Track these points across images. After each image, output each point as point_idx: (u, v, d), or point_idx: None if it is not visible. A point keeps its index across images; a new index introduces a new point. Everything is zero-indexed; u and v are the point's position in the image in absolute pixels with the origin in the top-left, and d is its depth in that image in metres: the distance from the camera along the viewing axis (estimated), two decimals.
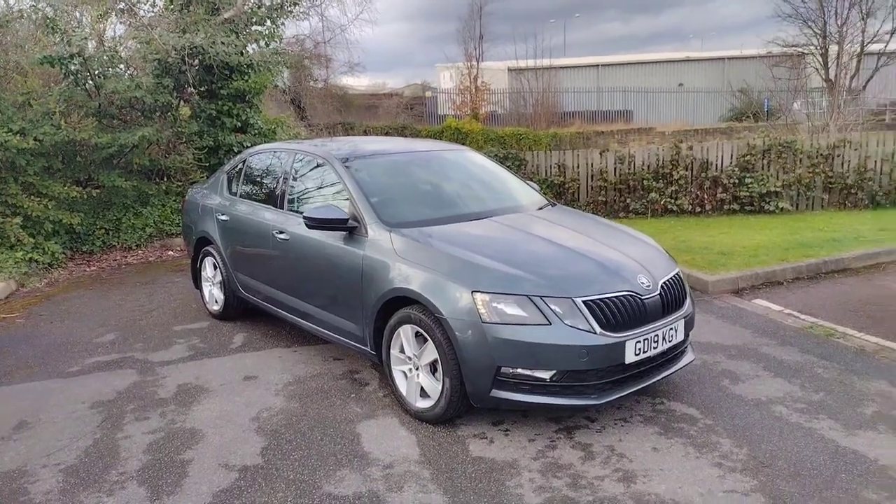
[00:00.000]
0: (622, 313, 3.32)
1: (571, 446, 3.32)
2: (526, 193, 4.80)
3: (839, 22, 37.71)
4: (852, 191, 9.56)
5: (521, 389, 3.27)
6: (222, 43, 8.59)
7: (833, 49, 37.77)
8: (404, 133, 25.93)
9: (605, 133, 27.43)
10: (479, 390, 3.32)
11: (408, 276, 3.59)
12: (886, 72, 30.97)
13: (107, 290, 6.88)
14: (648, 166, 10.04)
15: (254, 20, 9.85)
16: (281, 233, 4.57)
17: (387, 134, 24.04)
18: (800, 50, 38.56)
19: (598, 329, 3.23)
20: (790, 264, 6.25)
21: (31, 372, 4.65)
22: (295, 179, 4.75)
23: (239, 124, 10.07)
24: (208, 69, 9.43)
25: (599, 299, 3.29)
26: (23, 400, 4.18)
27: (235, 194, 5.38)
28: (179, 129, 9.21)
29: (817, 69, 38.50)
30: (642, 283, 3.50)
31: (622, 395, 3.34)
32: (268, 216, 4.79)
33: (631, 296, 3.39)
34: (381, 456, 3.31)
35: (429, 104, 36.49)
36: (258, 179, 5.22)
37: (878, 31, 36.14)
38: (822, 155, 9.56)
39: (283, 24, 10.32)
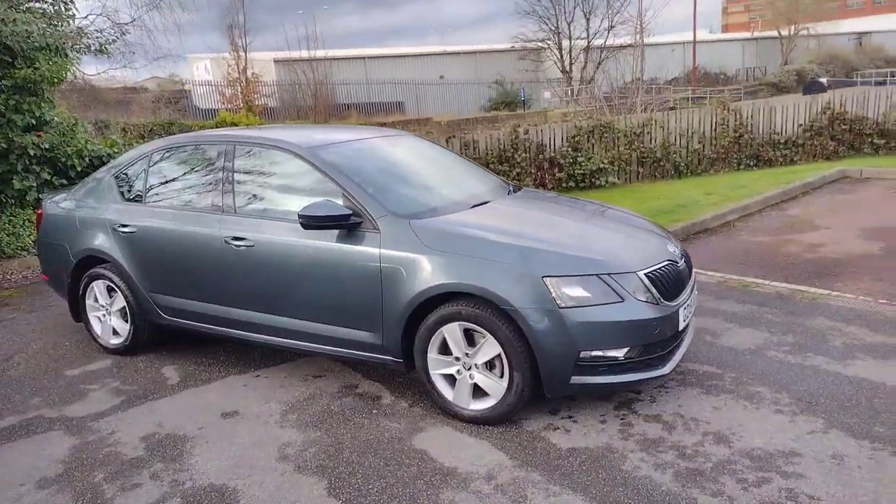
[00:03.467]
0: (670, 282, 3.42)
1: (644, 420, 3.34)
2: (493, 177, 4.68)
3: (567, 19, 42.93)
4: (661, 163, 10.96)
5: (600, 371, 3.20)
6: (20, 21, 6.93)
7: (566, 44, 42.93)
8: (171, 130, 23.65)
9: (388, 125, 27.93)
10: (559, 379, 3.18)
11: (451, 269, 3.28)
12: (606, 64, 36.06)
13: None
14: (491, 151, 10.43)
15: None
16: (238, 240, 3.88)
17: (150, 132, 21.70)
18: (539, 44, 43.12)
19: (661, 300, 3.29)
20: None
21: None
22: (243, 176, 4.04)
23: (32, 122, 8.28)
24: None
25: (655, 271, 3.35)
26: None
27: (141, 200, 4.41)
28: None
29: (555, 62, 43.43)
30: (672, 251, 3.64)
31: (678, 361, 3.45)
32: (210, 222, 4.02)
33: (671, 264, 3.50)
34: (470, 468, 3.01)
35: (190, 98, 33.77)
36: (179, 180, 4.34)
37: (598, 27, 41.81)
38: (635, 133, 10.80)
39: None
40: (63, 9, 8.36)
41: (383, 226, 3.48)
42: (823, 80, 35.08)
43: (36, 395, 4.09)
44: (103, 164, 9.11)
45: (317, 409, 3.67)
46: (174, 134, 24.30)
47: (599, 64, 38.76)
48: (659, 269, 3.38)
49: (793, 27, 47.71)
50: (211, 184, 4.13)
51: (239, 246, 3.87)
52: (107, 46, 8.22)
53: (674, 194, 9.05)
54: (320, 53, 32.89)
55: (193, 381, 4.15)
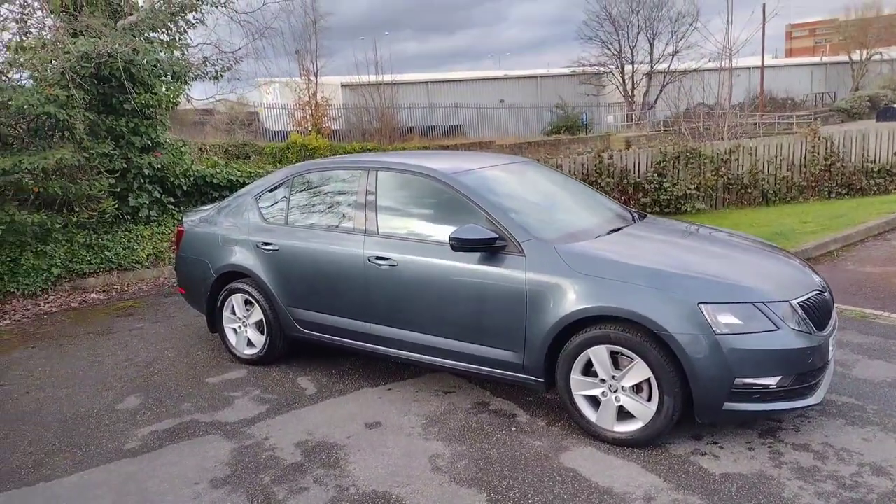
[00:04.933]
0: (820, 312, 3.44)
1: (794, 448, 3.35)
2: (616, 204, 4.78)
3: (630, 45, 42.83)
4: (748, 190, 10.83)
5: (753, 399, 3.23)
6: (139, 50, 7.44)
7: (628, 69, 42.81)
8: (245, 150, 24.53)
9: (451, 147, 28.29)
10: (712, 405, 3.23)
11: (600, 293, 3.38)
12: (669, 89, 35.64)
13: (57, 347, 5.64)
14: (574, 174, 10.51)
15: (153, 25, 8.68)
16: (381, 259, 4.08)
17: (226, 152, 22.55)
18: (601, 69, 43.08)
19: (814, 329, 3.31)
20: None
21: (74, 458, 3.66)
22: (385, 199, 4.25)
23: (148, 143, 8.83)
24: (104, 80, 8.16)
25: (807, 300, 3.38)
26: (105, 494, 3.27)
27: (283, 220, 4.68)
28: (90, 151, 7.82)
29: (617, 86, 43.29)
30: (818, 280, 3.66)
31: (826, 391, 3.45)
32: (353, 242, 4.24)
33: (819, 293, 3.52)
34: (626, 489, 3.07)
35: (260, 120, 35.07)
36: (320, 201, 4.59)
37: (663, 52, 41.51)
38: (722, 159, 10.72)
39: (184, 29, 9.19)
40: (178, 38, 8.91)
41: (528, 249, 3.62)
42: None
43: (185, 400, 4.36)
44: (206, 183, 9.64)
45: (456, 424, 3.81)
46: (248, 154, 25.06)
47: (662, 89, 38.50)
48: (810, 298, 3.40)
49: (864, 52, 46.35)
50: (353, 206, 4.35)
51: (381, 265, 4.07)
52: (222, 73, 8.72)
53: (768, 222, 8.92)
54: (386, 78, 33.70)
55: (330, 392, 4.35)
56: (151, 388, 4.58)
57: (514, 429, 3.73)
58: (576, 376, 3.52)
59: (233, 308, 4.91)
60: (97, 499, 3.25)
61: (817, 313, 3.40)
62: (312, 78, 32.47)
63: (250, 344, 4.89)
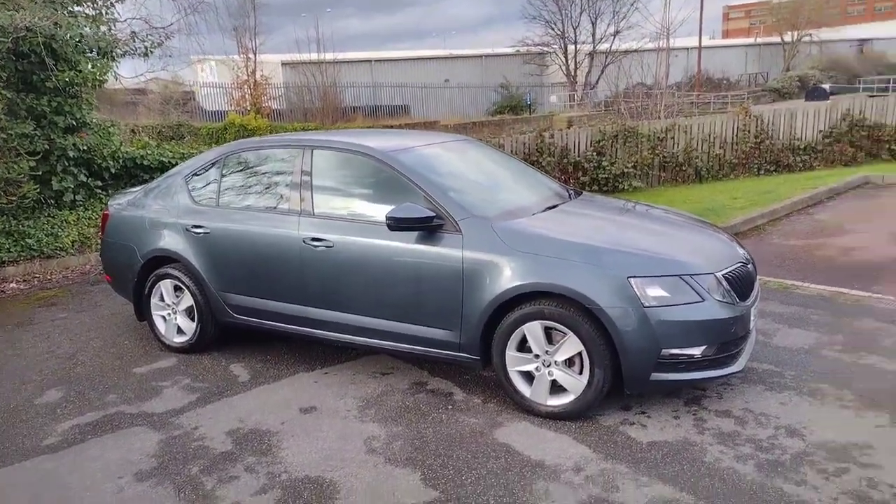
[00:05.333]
0: (743, 283, 3.55)
1: (716, 415, 3.47)
2: (553, 182, 4.80)
3: (573, 24, 43.17)
4: (683, 168, 11.11)
5: (679, 369, 3.32)
6: (62, 25, 7.03)
7: (571, 49, 43.16)
8: (180, 131, 23.71)
9: (396, 127, 28.06)
10: (640, 376, 3.30)
11: (536, 270, 3.40)
12: (610, 69, 36.16)
13: None
14: (516, 154, 10.55)
15: None
16: (317, 241, 3.99)
17: (159, 134, 21.78)
18: (544, 49, 43.31)
19: (737, 300, 3.42)
20: None
21: None
22: (320, 179, 4.15)
23: (73, 123, 8.40)
24: (23, 56, 7.71)
25: (730, 272, 3.48)
26: (20, 494, 3.13)
27: (214, 202, 4.52)
28: (8, 131, 7.38)
29: (560, 66, 43.63)
30: (742, 253, 3.77)
31: (747, 359, 3.57)
32: (288, 224, 4.13)
33: (743, 265, 3.63)
34: (557, 461, 3.12)
35: (196, 100, 33.97)
36: (253, 182, 4.46)
37: (605, 32, 42.00)
38: (658, 138, 10.95)
39: (111, 3, 8.72)
40: (105, 12, 8.47)
41: (465, 228, 3.60)
42: (826, 86, 35.35)
43: (110, 392, 4.20)
44: (136, 165, 9.26)
45: (392, 405, 3.79)
46: (183, 135, 24.22)
47: (604, 69, 39.02)
48: (734, 270, 3.51)
49: (795, 33, 48.01)
50: (288, 186, 4.24)
51: (317, 246, 3.99)
52: (152, 49, 8.34)
53: (701, 198, 9.18)
54: (328, 56, 33.02)
55: (264, 379, 4.26)
56: (74, 381, 4.39)
57: (450, 407, 3.74)
58: (511, 352, 3.55)
59: (161, 295, 4.74)
60: (11, 499, 3.10)
61: (740, 284, 3.51)
62: (251, 56, 31.49)
63: (180, 331, 4.74)
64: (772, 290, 5.45)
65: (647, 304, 3.23)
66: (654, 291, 3.24)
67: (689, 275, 3.32)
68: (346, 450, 3.34)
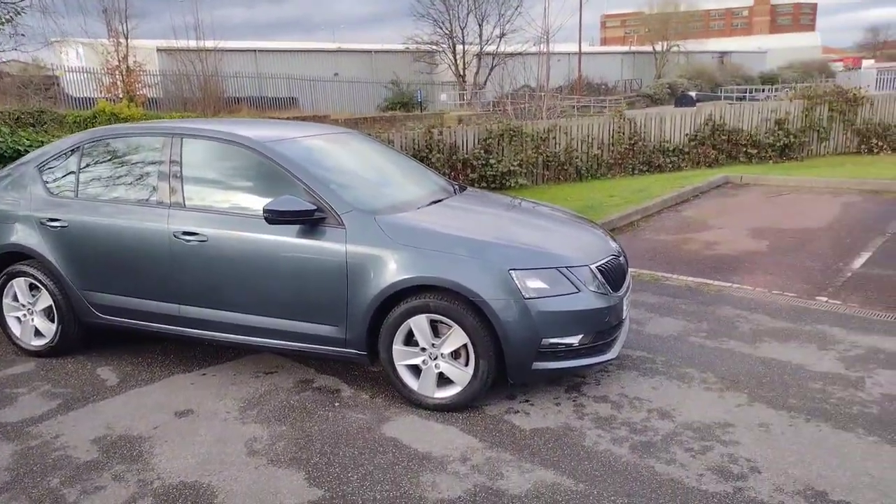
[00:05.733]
0: (615, 274, 3.73)
1: (594, 400, 3.63)
2: (439, 177, 4.82)
3: (461, 25, 43.88)
4: (564, 167, 11.56)
5: (558, 357, 3.44)
6: None
7: (459, 48, 43.84)
8: (42, 118, 21.88)
9: (285, 120, 27.26)
10: (522, 366, 3.39)
11: (420, 263, 3.40)
12: (497, 70, 37.14)
13: None
14: (406, 150, 10.55)
15: None
16: (188, 234, 3.78)
17: (17, 120, 20.00)
18: (434, 47, 43.74)
19: (611, 291, 3.59)
20: None
21: None
22: (192, 169, 3.93)
23: None
24: None
25: (604, 264, 3.65)
26: None
27: (73, 194, 4.17)
28: None
29: (449, 65, 44.21)
30: (614, 246, 3.96)
31: (622, 346, 3.77)
32: (156, 216, 3.88)
33: (615, 258, 3.82)
34: (444, 452, 3.15)
35: (61, 85, 31.38)
36: (117, 172, 4.14)
37: (491, 34, 43.00)
38: (541, 138, 11.32)
39: None
40: None
41: (348, 221, 3.54)
42: (692, 93, 38.10)
43: None
44: None
45: (276, 405, 3.67)
46: (45, 122, 22.40)
47: (491, 70, 39.93)
48: (606, 262, 3.68)
49: (665, 43, 51.42)
50: (155, 176, 3.98)
51: (189, 241, 3.78)
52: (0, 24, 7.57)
53: (580, 196, 9.60)
54: (209, 44, 31.47)
55: (135, 382, 3.99)
56: None
57: (337, 404, 3.67)
58: (398, 346, 3.53)
59: (15, 294, 4.33)
60: None
61: (613, 276, 3.69)
62: (122, 40, 29.44)
63: (38, 334, 4.34)
64: (644, 281, 5.79)
65: (527, 296, 3.32)
66: (534, 283, 3.34)
67: (567, 267, 3.45)
68: (226, 452, 3.19)
